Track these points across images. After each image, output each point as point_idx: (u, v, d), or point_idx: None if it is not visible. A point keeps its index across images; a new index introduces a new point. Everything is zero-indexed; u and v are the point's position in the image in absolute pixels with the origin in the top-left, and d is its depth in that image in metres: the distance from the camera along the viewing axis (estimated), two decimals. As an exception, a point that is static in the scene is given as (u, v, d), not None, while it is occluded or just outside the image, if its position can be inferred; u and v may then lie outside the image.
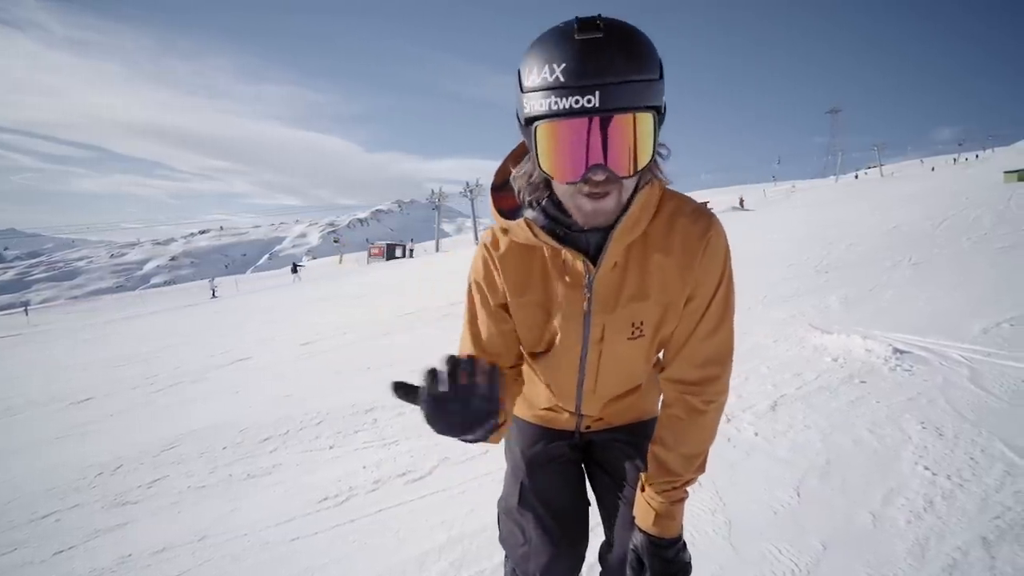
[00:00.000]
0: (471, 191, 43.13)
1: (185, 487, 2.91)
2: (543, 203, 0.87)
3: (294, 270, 31.53)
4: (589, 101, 0.68)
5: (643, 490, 1.00)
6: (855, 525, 1.87)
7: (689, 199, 0.92)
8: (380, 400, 3.83)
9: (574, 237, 0.88)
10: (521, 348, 1.07)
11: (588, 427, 1.15)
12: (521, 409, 1.19)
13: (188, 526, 2.47)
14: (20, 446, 4.11)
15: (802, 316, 4.70)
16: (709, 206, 0.93)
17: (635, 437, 1.12)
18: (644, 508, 0.99)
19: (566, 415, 1.14)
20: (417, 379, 0.70)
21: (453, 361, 0.69)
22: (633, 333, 0.95)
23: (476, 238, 39.49)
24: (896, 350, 3.43)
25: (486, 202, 0.99)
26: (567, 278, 0.93)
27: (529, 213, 0.90)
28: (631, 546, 1.00)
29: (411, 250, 41.93)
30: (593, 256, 0.90)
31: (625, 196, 0.81)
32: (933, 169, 51.06)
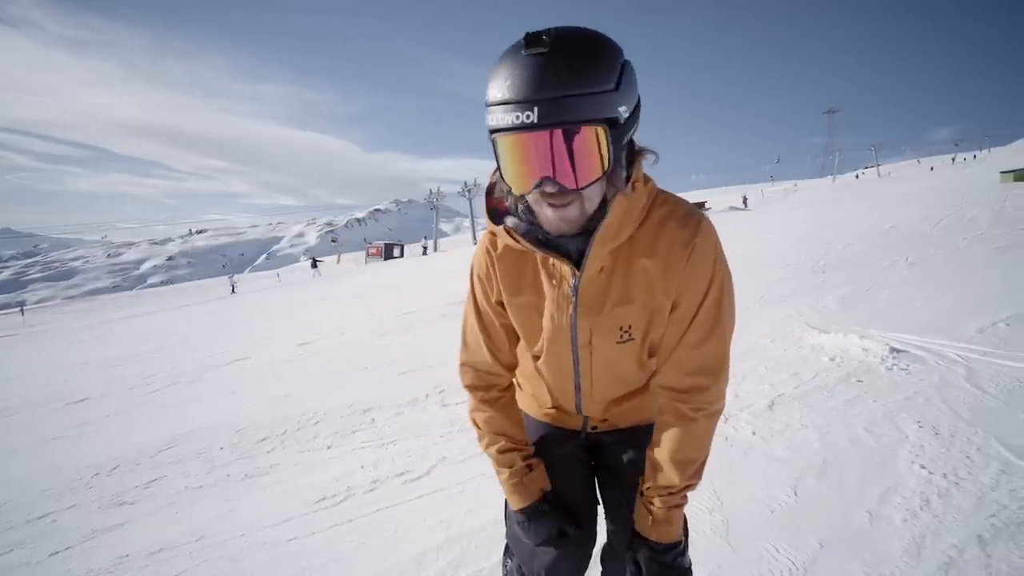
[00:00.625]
0: (469, 191, 43.03)
1: (182, 487, 2.90)
2: (521, 209, 0.89)
3: (314, 265, 31.87)
4: (528, 117, 0.71)
5: (642, 495, 1.01)
6: (852, 524, 1.88)
7: (682, 202, 0.92)
8: (378, 400, 3.83)
9: (558, 242, 0.89)
10: (522, 348, 1.09)
11: (595, 428, 1.15)
12: (531, 406, 1.19)
13: (185, 526, 2.47)
14: (17, 447, 4.10)
15: (799, 316, 4.70)
16: (708, 206, 0.93)
17: (640, 440, 1.11)
18: (643, 513, 0.99)
19: (573, 414, 1.14)
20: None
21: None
22: (621, 337, 0.96)
23: (474, 238, 39.44)
24: (893, 349, 3.44)
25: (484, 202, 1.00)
26: (554, 281, 0.95)
27: (510, 220, 0.91)
28: (630, 550, 1.00)
29: (403, 247, 42.36)
30: (578, 260, 0.90)
31: (590, 205, 0.81)
32: (932, 169, 51.23)
